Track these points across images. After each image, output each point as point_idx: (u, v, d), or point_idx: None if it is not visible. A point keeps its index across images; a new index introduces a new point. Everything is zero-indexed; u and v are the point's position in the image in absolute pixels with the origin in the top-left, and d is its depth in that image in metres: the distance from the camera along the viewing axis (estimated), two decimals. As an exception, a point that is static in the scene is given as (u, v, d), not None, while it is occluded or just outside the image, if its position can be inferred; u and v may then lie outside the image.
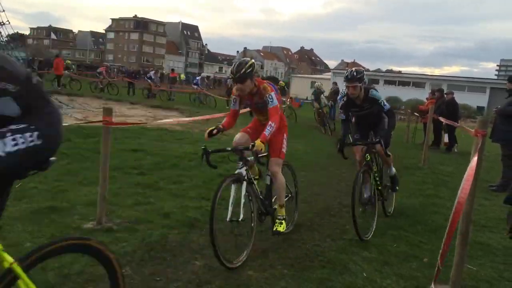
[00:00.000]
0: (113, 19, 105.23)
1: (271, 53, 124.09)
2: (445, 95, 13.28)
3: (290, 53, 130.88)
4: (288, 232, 4.44)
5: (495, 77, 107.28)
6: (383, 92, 26.12)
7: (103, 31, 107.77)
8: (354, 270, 3.67)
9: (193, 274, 3.36)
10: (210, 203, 5.11)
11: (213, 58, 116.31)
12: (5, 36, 15.88)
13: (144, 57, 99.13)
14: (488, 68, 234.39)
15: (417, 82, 46.77)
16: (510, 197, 2.78)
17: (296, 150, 9.90)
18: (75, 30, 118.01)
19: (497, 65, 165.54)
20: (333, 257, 3.91)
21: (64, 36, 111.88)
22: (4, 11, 14.86)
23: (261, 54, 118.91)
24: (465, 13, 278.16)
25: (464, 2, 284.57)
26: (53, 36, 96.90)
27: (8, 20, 15.14)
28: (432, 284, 2.02)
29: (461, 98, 15.26)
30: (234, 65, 3.93)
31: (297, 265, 3.68)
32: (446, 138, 12.53)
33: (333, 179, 7.30)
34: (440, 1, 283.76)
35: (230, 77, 4.04)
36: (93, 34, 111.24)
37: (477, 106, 38.79)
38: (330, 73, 56.53)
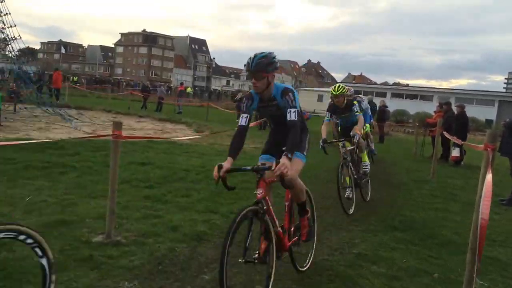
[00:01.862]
0: (122, 33, 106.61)
1: (278, 66, 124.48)
2: (455, 108, 13.18)
3: (297, 66, 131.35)
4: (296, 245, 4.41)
5: (504, 90, 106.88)
6: (391, 105, 26.08)
7: (112, 45, 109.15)
8: (363, 284, 3.64)
9: (202, 288, 3.35)
10: (218, 216, 5.16)
11: (221, 71, 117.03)
12: (16, 50, 16.12)
13: (153, 71, 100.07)
14: (496, 81, 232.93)
15: (425, 95, 46.70)
16: None
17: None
18: (85, 44, 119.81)
19: (505, 78, 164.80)
20: (341, 271, 3.88)
21: (74, 50, 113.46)
22: (15, 26, 15.06)
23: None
24: (471, 26, 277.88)
25: (469, 14, 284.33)
26: (63, 50, 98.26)
27: (19, 35, 15.34)
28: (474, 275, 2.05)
29: (469, 111, 15.15)
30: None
31: (306, 279, 3.66)
32: (454, 153, 12.38)
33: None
34: (445, 14, 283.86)
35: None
36: (103, 48, 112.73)
37: (486, 119, 38.61)
38: (337, 86, 56.55)
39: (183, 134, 14.53)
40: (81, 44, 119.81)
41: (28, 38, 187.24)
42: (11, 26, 14.92)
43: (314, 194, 6.73)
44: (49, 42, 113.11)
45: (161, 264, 3.74)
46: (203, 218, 5.05)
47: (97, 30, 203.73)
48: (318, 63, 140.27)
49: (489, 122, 38.35)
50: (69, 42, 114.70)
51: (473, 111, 31.96)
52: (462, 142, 8.11)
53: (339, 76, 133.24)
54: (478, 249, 2.19)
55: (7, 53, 16.54)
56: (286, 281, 3.60)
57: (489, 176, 2.89)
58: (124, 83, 58.22)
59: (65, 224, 4.46)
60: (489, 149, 3.27)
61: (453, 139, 9.25)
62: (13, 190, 5.58)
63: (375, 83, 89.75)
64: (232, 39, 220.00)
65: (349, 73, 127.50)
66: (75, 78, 49.32)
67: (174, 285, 3.38)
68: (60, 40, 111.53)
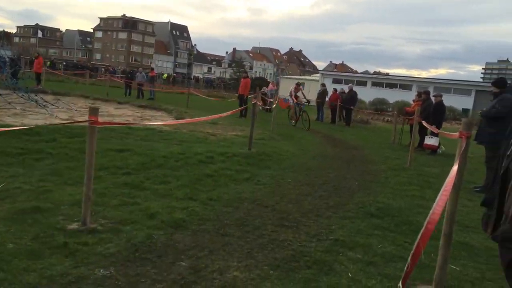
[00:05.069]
0: (101, 18, 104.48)
1: (260, 54, 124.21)
2: (432, 97, 13.36)
3: (279, 54, 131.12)
4: (274, 232, 4.45)
5: (481, 80, 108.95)
6: (371, 93, 26.30)
7: (91, 30, 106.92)
8: (339, 270, 3.69)
9: (178, 275, 3.34)
10: (196, 203, 5.14)
11: (202, 58, 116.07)
12: (-10, 34, 15.65)
13: (133, 57, 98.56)
14: (474, 71, 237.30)
15: (404, 84, 47.17)
16: (485, 199, 2.80)
17: (285, 151, 9.92)
18: (63, 29, 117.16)
19: (483, 68, 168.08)
20: (319, 257, 3.92)
21: (51, 35, 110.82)
22: (-11, 8, 14.55)
23: (250, 54, 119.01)
24: (452, 16, 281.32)
25: (450, 4, 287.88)
26: (40, 34, 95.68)
27: (-7, 18, 14.83)
28: (400, 283, 1.95)
29: (447, 100, 15.42)
30: None
31: (283, 266, 3.69)
32: (431, 141, 12.51)
33: (320, 180, 7.33)
34: (426, 4, 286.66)
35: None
36: (81, 33, 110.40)
37: (463, 108, 39.28)
38: (318, 75, 56.78)
39: (163, 121, 14.40)
40: (59, 29, 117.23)
41: (3, 21, 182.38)
42: (-16, 8, 14.42)
43: (294, 182, 6.79)
44: (25, 26, 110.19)
45: (137, 251, 3.71)
46: (182, 205, 5.03)
47: (75, 14, 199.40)
48: (300, 51, 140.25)
49: (465, 111, 39.04)
50: (46, 26, 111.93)
51: (451, 100, 32.48)
52: (439, 131, 8.22)
53: (320, 65, 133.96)
54: (415, 248, 1.95)
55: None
56: (264, 267, 3.62)
57: (454, 168, 2.93)
58: (103, 69, 57.13)
59: (39, 211, 4.38)
60: (463, 136, 3.33)
61: (431, 128, 9.40)
62: (-14, 177, 5.44)
63: (356, 72, 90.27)
64: (213, 26, 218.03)
65: (331, 61, 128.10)
66: (49, 63, 47.68)
67: (151, 272, 3.36)
68: (37, 24, 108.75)
